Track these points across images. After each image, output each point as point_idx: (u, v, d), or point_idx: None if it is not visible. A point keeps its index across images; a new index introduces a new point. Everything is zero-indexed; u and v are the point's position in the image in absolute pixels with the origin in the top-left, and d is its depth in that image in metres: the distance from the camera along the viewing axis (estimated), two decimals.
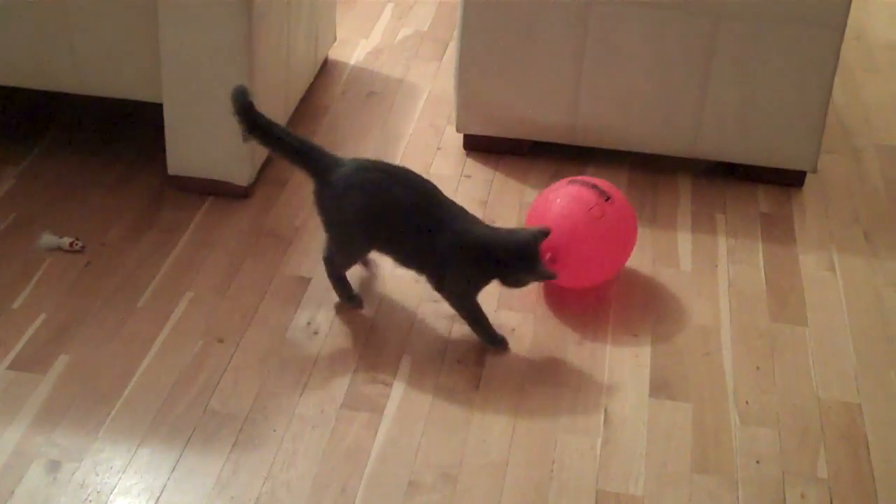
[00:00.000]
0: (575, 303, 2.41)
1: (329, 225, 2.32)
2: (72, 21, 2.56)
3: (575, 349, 2.29)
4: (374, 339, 2.29)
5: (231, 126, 2.56)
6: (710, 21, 2.65)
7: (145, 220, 2.61)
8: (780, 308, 2.43)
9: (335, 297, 2.39)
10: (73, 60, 2.62)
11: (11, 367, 2.18)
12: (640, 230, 2.62)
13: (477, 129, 2.87)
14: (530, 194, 2.75)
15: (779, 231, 2.67)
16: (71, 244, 2.49)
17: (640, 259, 2.54)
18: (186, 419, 2.08)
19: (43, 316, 2.30)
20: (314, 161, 2.30)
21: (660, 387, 2.20)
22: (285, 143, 2.30)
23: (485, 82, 2.79)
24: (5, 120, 2.97)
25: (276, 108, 2.77)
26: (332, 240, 2.33)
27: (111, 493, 1.93)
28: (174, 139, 2.65)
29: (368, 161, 2.31)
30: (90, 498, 1.92)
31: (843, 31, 2.64)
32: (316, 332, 2.30)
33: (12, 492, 1.92)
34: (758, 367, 2.26)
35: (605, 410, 2.14)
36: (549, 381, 2.21)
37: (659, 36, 2.68)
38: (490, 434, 2.08)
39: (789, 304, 2.45)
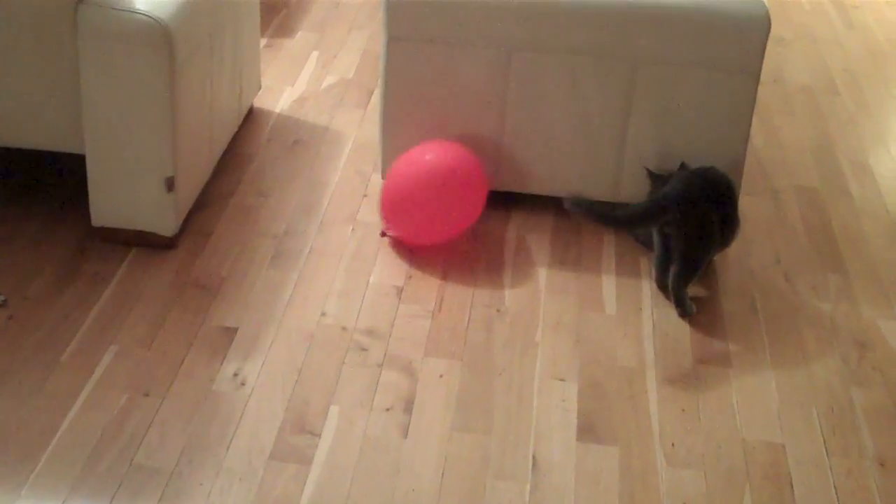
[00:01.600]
0: (501, 347, 2.42)
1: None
2: None
3: (502, 394, 2.30)
4: (301, 389, 2.29)
5: (155, 176, 2.56)
6: (628, 66, 2.70)
7: (69, 272, 2.58)
8: (703, 350, 2.47)
9: (262, 347, 2.38)
10: None
11: None
12: (565, 274, 2.66)
13: None
14: (457, 240, 2.76)
15: (701, 273, 2.71)
16: None
17: (566, 303, 2.57)
18: (112, 474, 2.06)
19: None
20: None
21: (587, 430, 2.22)
22: None
23: (409, 129, 2.81)
24: None
25: (200, 157, 2.77)
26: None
27: None
28: (97, 190, 2.63)
29: None
30: None
31: (759, 75, 2.71)
32: (243, 383, 2.29)
33: None
34: (683, 409, 2.29)
35: (534, 456, 2.15)
36: (477, 428, 2.21)
37: (579, 82, 2.73)
38: (419, 482, 2.08)
39: (713, 345, 2.48)
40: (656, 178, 2.68)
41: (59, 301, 2.49)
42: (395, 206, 2.67)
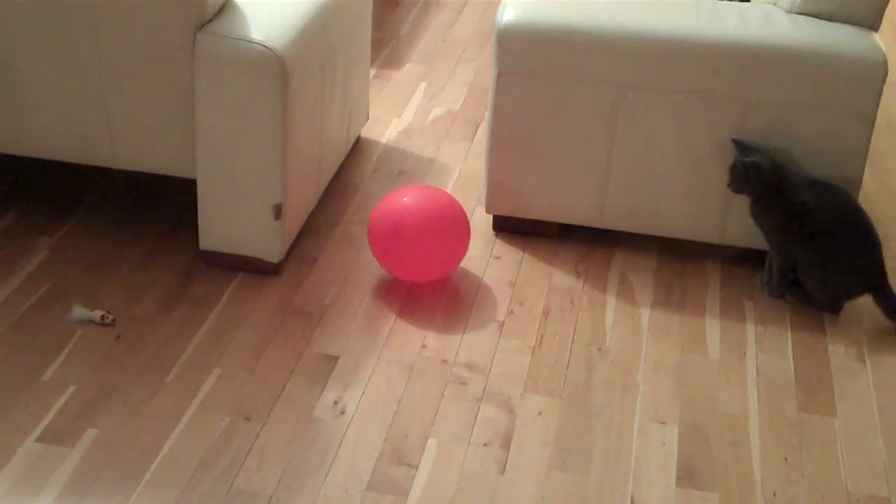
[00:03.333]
0: (602, 387, 2.41)
1: None
2: (110, 98, 2.61)
3: (601, 435, 2.28)
4: (400, 420, 2.29)
5: (263, 203, 2.60)
6: (739, 108, 2.67)
7: (176, 294, 2.63)
8: (808, 398, 2.42)
9: (362, 377, 2.40)
10: (110, 135, 2.66)
11: (40, 440, 2.18)
12: (668, 315, 2.63)
13: (506, 211, 2.89)
14: (559, 276, 2.76)
15: (808, 319, 2.66)
16: (102, 317, 2.51)
17: (668, 344, 2.54)
18: (212, 497, 2.08)
19: (72, 388, 2.32)
20: None
21: (687, 476, 2.19)
22: None
23: (515, 164, 2.82)
24: (41, 191, 3.01)
25: (308, 185, 2.80)
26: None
27: None
28: (206, 215, 2.68)
29: None
30: None
31: (874, 120, 2.66)
32: (342, 412, 2.30)
33: None
34: (786, 458, 2.25)
35: (632, 499, 2.13)
36: (575, 468, 2.20)
37: (688, 122, 2.70)
38: None
39: (818, 394, 2.43)
40: (743, 147, 2.66)
41: (165, 322, 2.53)
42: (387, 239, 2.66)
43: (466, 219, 2.70)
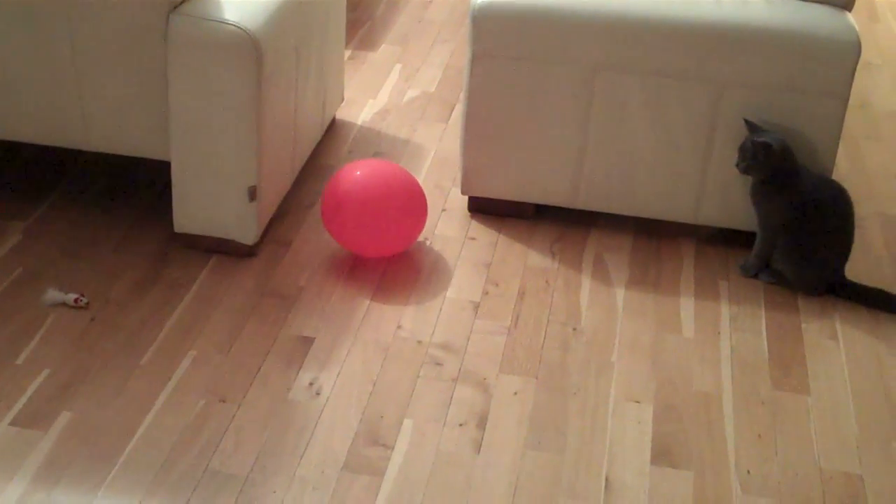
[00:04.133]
0: (577, 367, 2.41)
1: None
2: (82, 79, 2.59)
3: (576, 414, 2.29)
4: (375, 401, 2.30)
5: (238, 185, 2.59)
6: (713, 89, 2.68)
7: (150, 277, 2.62)
8: (782, 376, 2.43)
9: (338, 358, 2.40)
10: (83, 117, 2.64)
11: (13, 423, 2.18)
12: (643, 295, 2.64)
13: (481, 192, 2.89)
14: (535, 257, 2.76)
15: (782, 298, 2.67)
16: (76, 300, 2.50)
17: (643, 324, 2.55)
18: (187, 479, 2.08)
19: (46, 372, 2.31)
20: None
21: (662, 454, 2.20)
22: None
23: (490, 145, 2.82)
24: (13, 175, 2.99)
25: (283, 167, 2.80)
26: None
27: None
28: (181, 197, 2.67)
29: None
30: None
31: (847, 100, 2.67)
32: (318, 393, 2.30)
33: None
34: (759, 436, 2.26)
35: (607, 477, 2.14)
36: (550, 447, 2.20)
37: (663, 103, 2.71)
38: (490, 499, 2.08)
39: (791, 372, 2.45)
40: (755, 128, 2.67)
41: (140, 305, 2.52)
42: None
43: (420, 194, 2.71)
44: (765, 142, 2.60)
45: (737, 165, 2.67)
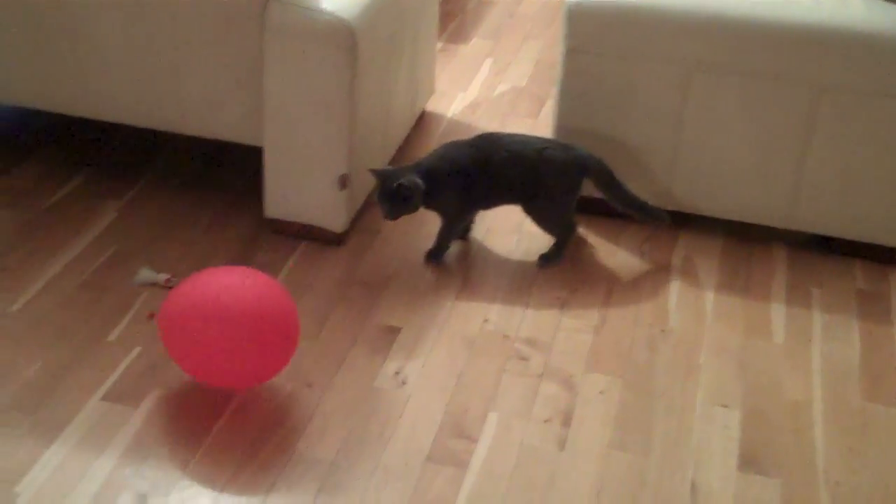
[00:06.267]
0: (664, 369, 2.39)
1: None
2: (179, 63, 2.62)
3: (662, 416, 2.27)
4: (461, 393, 2.29)
5: (329, 173, 2.60)
6: (811, 92, 2.63)
7: (240, 261, 2.64)
8: (873, 387, 2.39)
9: (424, 349, 2.40)
10: (178, 101, 2.68)
11: (105, 398, 2.21)
12: (732, 299, 2.61)
13: None
14: (623, 256, 2.74)
15: (876, 309, 2.63)
16: (167, 281, 2.53)
17: (732, 328, 2.52)
18: (273, 461, 2.09)
19: (137, 350, 2.34)
20: None
21: (749, 461, 2.17)
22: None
23: (581, 142, 2.80)
24: (109, 155, 3.04)
25: (373, 157, 2.80)
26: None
27: None
28: (272, 183, 2.69)
29: None
30: None
31: None
32: (404, 383, 2.31)
33: None
34: (850, 448, 2.22)
35: (693, 482, 2.12)
36: (635, 448, 2.19)
37: (760, 105, 2.67)
38: (574, 498, 2.07)
39: (884, 384, 2.40)
40: (383, 174, 2.58)
41: None
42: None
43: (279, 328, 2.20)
44: (401, 184, 2.53)
45: (387, 218, 2.58)
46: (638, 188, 2.80)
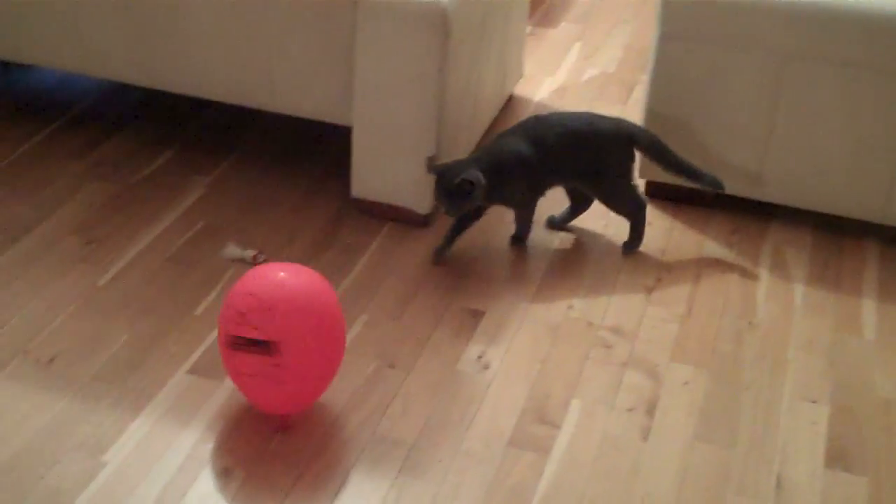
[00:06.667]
0: (751, 361, 2.35)
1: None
2: (271, 41, 2.63)
3: (749, 409, 2.23)
4: (543, 379, 2.28)
5: (417, 154, 2.60)
6: None
7: (326, 239, 2.65)
8: None
9: (507, 333, 2.39)
10: (270, 79, 2.69)
11: (191, 371, 2.23)
12: (822, 293, 2.56)
13: (660, 176, 2.83)
14: (711, 246, 2.70)
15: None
16: (254, 257, 2.55)
17: (821, 322, 2.47)
18: (355, 440, 2.10)
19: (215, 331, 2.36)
20: None
21: (836, 457, 2.13)
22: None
23: (673, 129, 2.76)
24: (199, 131, 3.07)
25: (461, 139, 2.80)
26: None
27: None
28: (360, 163, 2.69)
29: None
30: None
31: None
32: (486, 367, 2.30)
33: (184, 494, 1.97)
34: None
35: (778, 476, 2.08)
36: (720, 440, 2.16)
37: (856, 96, 2.61)
38: (656, 488, 2.04)
39: None
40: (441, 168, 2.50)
41: (314, 266, 2.52)
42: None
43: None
44: (464, 179, 2.45)
45: (448, 214, 2.52)
46: (727, 177, 2.76)
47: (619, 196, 2.66)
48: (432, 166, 2.51)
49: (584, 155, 2.59)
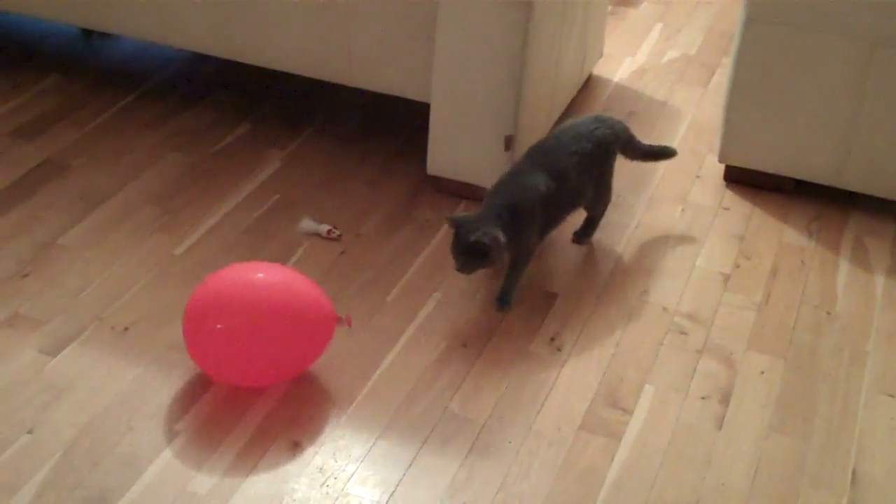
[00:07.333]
0: (829, 352, 2.31)
1: None
2: (352, 16, 2.63)
3: (825, 401, 2.19)
4: (616, 363, 2.26)
5: (495, 133, 2.58)
6: None
7: (401, 216, 2.65)
8: None
9: (581, 316, 2.37)
10: (349, 54, 2.68)
11: None
12: None
13: (740, 161, 2.79)
14: (790, 234, 2.66)
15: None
16: (328, 231, 2.55)
17: None
18: (426, 418, 2.10)
19: None
20: None
21: None
22: None
23: (754, 114, 2.71)
24: (276, 104, 3.07)
25: (539, 118, 2.77)
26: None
27: (348, 481, 1.96)
28: (437, 140, 2.68)
29: None
30: (328, 483, 1.95)
31: None
32: (559, 349, 2.28)
33: (255, 464, 1.98)
34: None
35: (854, 470, 2.04)
36: (795, 431, 2.12)
37: None
38: (730, 477, 2.02)
39: None
40: (461, 224, 2.31)
41: (389, 243, 2.55)
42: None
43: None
44: (478, 240, 2.25)
45: (460, 272, 2.32)
46: (808, 164, 2.71)
47: (606, 199, 2.58)
48: (449, 218, 2.33)
49: (593, 171, 2.49)
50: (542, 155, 2.45)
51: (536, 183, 2.37)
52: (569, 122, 2.57)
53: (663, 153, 2.69)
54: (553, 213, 2.44)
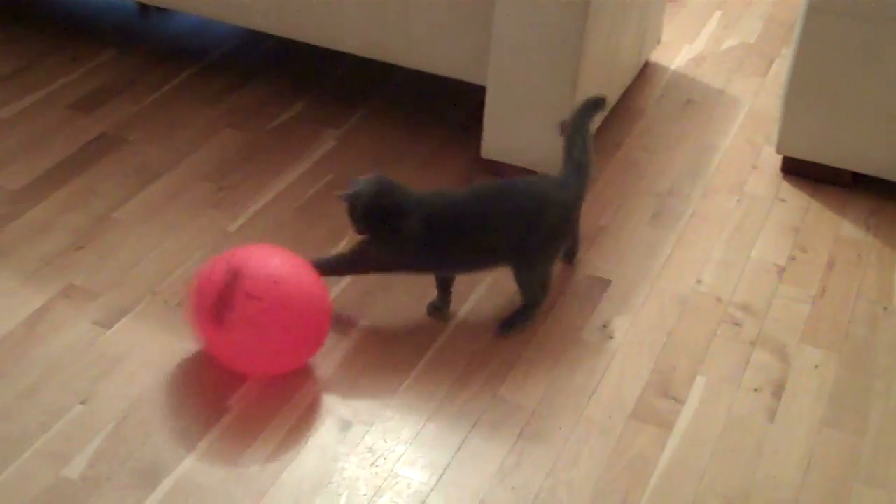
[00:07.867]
0: (885, 348, 2.28)
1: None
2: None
3: (881, 397, 2.17)
4: (669, 352, 2.24)
5: (549, 118, 2.56)
6: None
7: None
8: None
9: (633, 304, 2.35)
10: (406, 34, 2.67)
11: None
12: None
13: (798, 153, 2.76)
14: (847, 227, 2.62)
15: None
16: None
17: None
18: (476, 402, 2.09)
19: (349, 278, 2.36)
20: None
21: None
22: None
23: (814, 105, 2.68)
24: (332, 84, 3.07)
25: None
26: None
27: (397, 462, 1.96)
28: (492, 123, 2.67)
29: None
30: (377, 463, 1.96)
31: None
32: (611, 337, 2.27)
33: (304, 443, 1.98)
34: None
35: None
36: (849, 427, 2.10)
37: None
38: (781, 471, 2.00)
39: None
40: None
41: None
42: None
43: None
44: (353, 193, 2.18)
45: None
46: (868, 157, 2.68)
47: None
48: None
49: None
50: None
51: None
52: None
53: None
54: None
